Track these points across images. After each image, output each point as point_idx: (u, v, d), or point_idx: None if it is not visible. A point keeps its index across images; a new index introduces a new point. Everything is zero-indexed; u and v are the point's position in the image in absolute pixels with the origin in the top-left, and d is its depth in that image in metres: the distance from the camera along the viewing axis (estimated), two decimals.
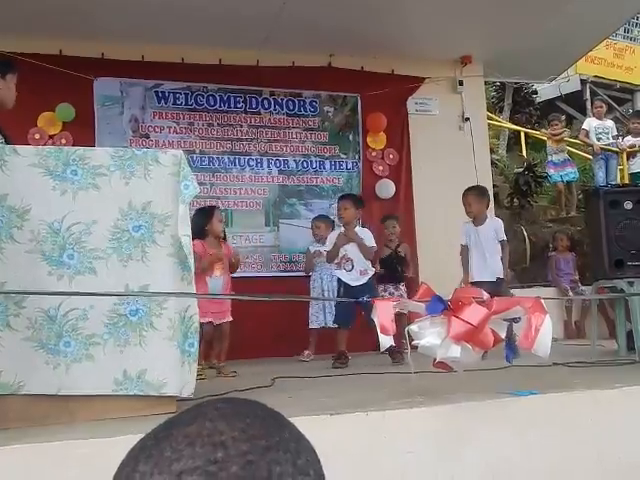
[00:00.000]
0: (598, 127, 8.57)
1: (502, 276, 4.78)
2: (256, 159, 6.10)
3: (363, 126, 6.42)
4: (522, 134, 10.58)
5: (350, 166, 6.38)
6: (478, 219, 4.93)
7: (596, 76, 12.99)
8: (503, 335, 2.73)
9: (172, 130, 5.91)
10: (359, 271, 4.85)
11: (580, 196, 8.56)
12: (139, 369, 2.63)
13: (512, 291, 5.01)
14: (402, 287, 5.56)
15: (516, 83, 11.31)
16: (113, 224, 2.67)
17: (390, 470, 2.41)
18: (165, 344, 2.67)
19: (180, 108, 5.95)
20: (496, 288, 4.35)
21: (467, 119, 6.70)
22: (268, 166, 6.13)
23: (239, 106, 6.11)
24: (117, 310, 2.64)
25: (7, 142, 2.97)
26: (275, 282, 5.70)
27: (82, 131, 5.47)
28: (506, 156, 11.00)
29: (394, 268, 5.53)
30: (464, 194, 4.96)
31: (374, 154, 6.45)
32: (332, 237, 5.07)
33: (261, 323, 5.27)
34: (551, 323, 2.60)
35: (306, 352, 5.26)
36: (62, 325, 2.57)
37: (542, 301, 2.66)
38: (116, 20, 5.25)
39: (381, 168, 6.44)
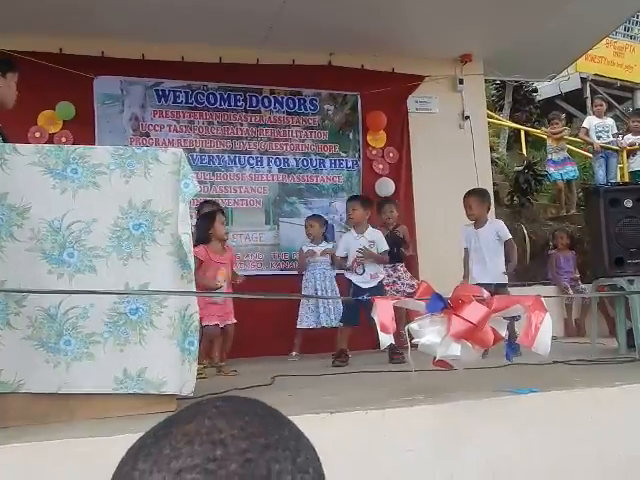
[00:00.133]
0: (598, 125, 8.57)
1: (504, 281, 4.76)
2: (256, 157, 6.10)
3: (363, 124, 6.41)
4: (522, 132, 10.58)
5: (350, 164, 6.38)
6: (479, 222, 4.92)
7: (596, 74, 12.98)
8: (503, 333, 2.73)
9: (172, 128, 5.90)
10: (370, 275, 4.86)
11: (580, 194, 8.56)
12: (139, 367, 2.63)
13: (512, 289, 5.01)
14: (400, 267, 5.54)
15: (516, 81, 11.31)
16: (113, 222, 2.67)
17: (390, 468, 2.41)
18: (165, 342, 2.67)
19: (180, 106, 5.95)
20: (495, 292, 4.35)
21: (467, 117, 6.70)
22: (268, 164, 6.13)
23: (239, 104, 6.11)
24: (117, 309, 2.64)
25: (5, 141, 2.96)
26: (275, 280, 5.69)
27: (82, 129, 5.47)
28: (506, 154, 11.00)
29: (391, 248, 5.50)
30: (465, 196, 4.95)
31: (374, 152, 6.45)
32: (343, 241, 5.06)
33: (261, 321, 5.27)
34: (551, 321, 2.60)
35: (293, 353, 5.27)
36: (62, 324, 2.57)
37: (542, 299, 2.66)
38: (116, 19, 5.25)
39: (381, 166, 6.44)
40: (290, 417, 0.61)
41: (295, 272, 5.79)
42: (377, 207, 5.79)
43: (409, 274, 5.61)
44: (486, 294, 2.74)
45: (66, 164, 2.63)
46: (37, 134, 5.41)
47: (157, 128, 5.86)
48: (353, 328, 4.79)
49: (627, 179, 8.26)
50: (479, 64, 6.84)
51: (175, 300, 2.71)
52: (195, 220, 4.87)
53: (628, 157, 8.45)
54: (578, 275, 6.86)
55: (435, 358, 2.68)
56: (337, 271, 5.48)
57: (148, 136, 5.81)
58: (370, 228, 5.03)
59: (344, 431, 2.41)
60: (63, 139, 5.38)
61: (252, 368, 4.46)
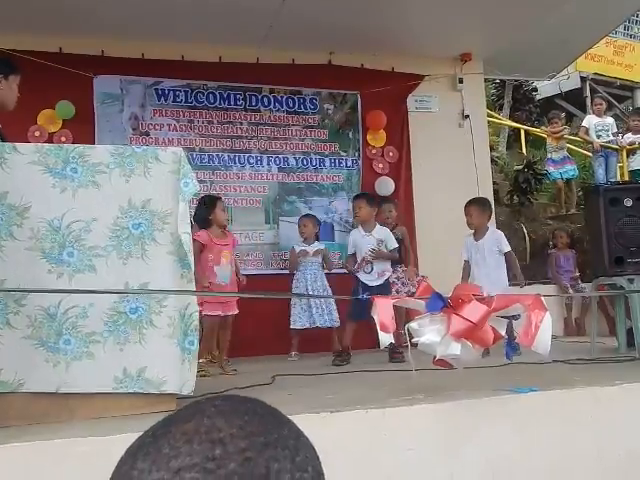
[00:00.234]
0: (598, 124, 8.56)
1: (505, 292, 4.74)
2: (256, 157, 6.10)
3: (363, 124, 6.41)
4: (522, 131, 10.58)
5: (350, 164, 6.38)
6: (479, 232, 4.91)
7: (596, 73, 12.98)
8: (503, 333, 2.73)
9: (172, 128, 5.90)
10: (377, 273, 4.87)
11: (580, 193, 8.56)
12: (139, 367, 2.63)
13: (512, 289, 5.00)
14: (399, 268, 5.52)
15: (516, 80, 11.31)
16: (113, 222, 2.67)
17: (390, 467, 2.41)
18: (165, 342, 2.67)
19: (180, 106, 5.94)
20: None
21: (467, 116, 6.70)
22: (268, 164, 6.12)
23: (239, 104, 6.11)
24: (117, 308, 2.64)
25: (4, 140, 2.96)
26: (275, 280, 5.69)
27: (82, 129, 5.47)
28: (506, 153, 10.99)
29: None
30: (466, 205, 4.95)
31: (374, 152, 6.44)
32: (351, 239, 5.06)
33: (261, 321, 5.27)
34: (551, 320, 2.60)
35: (293, 353, 5.28)
36: (62, 323, 2.57)
37: (542, 298, 2.66)
38: (116, 18, 5.24)
39: (381, 166, 6.44)
40: (290, 416, 0.61)
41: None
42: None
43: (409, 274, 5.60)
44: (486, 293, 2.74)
45: (66, 163, 2.63)
46: (37, 133, 5.41)
47: (157, 127, 5.86)
48: (357, 325, 4.77)
49: (627, 178, 8.26)
50: (479, 63, 6.84)
51: (175, 299, 2.71)
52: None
53: (628, 156, 8.45)
54: (578, 274, 6.86)
55: (435, 357, 2.68)
56: (327, 271, 5.51)
57: (148, 135, 5.81)
58: (378, 226, 5.02)
59: (344, 430, 2.41)
60: (63, 138, 5.38)
61: (252, 367, 4.46)
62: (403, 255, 5.59)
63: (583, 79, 12.88)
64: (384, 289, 4.76)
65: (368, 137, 6.43)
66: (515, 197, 8.96)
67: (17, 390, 2.50)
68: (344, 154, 6.37)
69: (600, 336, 4.67)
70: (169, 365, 2.67)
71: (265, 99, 6.19)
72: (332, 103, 6.40)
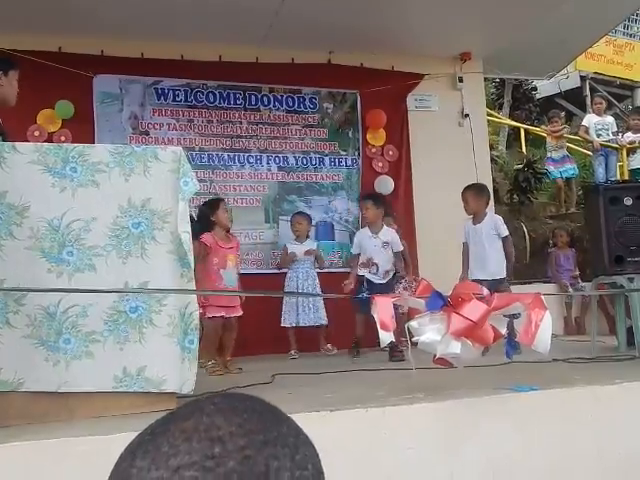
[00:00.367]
0: (598, 123, 8.56)
1: (502, 276, 4.76)
2: (256, 156, 6.10)
3: (363, 123, 6.41)
4: (522, 131, 10.58)
5: (350, 163, 6.37)
6: (477, 217, 4.93)
7: (596, 72, 12.97)
8: (503, 331, 2.73)
9: (172, 127, 5.90)
10: (383, 273, 4.88)
11: (580, 192, 8.56)
12: (139, 366, 2.63)
13: (512, 287, 5.01)
14: (404, 282, 5.53)
15: (516, 80, 11.31)
16: (112, 221, 2.67)
17: (390, 466, 2.41)
18: (165, 341, 2.67)
19: (180, 105, 5.94)
20: (494, 288, 4.36)
21: (467, 115, 6.69)
22: (268, 163, 6.12)
23: (238, 103, 6.11)
24: (117, 307, 2.64)
25: (5, 139, 2.96)
26: (275, 278, 5.68)
27: (81, 128, 5.46)
28: (506, 152, 10.99)
29: None
30: (462, 192, 4.96)
31: (374, 151, 6.44)
32: (357, 239, 5.06)
33: (261, 320, 5.26)
34: (551, 319, 2.60)
35: (292, 351, 5.28)
36: (62, 322, 2.57)
37: (542, 297, 2.66)
38: (115, 17, 5.24)
39: (381, 164, 6.43)
40: (290, 415, 0.60)
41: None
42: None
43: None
44: (486, 292, 2.74)
45: (65, 163, 2.63)
46: (36, 133, 5.40)
47: (156, 127, 5.86)
48: (366, 317, 4.77)
49: (627, 177, 8.26)
50: (479, 62, 6.83)
51: (175, 298, 2.71)
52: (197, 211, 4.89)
53: (628, 155, 8.45)
54: (578, 273, 6.86)
55: (435, 356, 2.68)
56: (319, 270, 5.53)
57: (147, 135, 5.81)
58: (385, 228, 5.03)
59: (344, 429, 2.41)
60: (62, 138, 5.37)
61: (252, 366, 4.46)
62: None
63: (583, 78, 12.88)
64: (388, 288, 4.77)
65: (368, 136, 6.42)
66: (515, 196, 8.96)
67: (17, 389, 2.50)
68: (344, 153, 6.37)
69: (600, 335, 4.67)
70: (169, 364, 2.67)
71: (265, 98, 6.19)
72: (332, 102, 6.40)
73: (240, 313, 4.47)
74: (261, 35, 5.76)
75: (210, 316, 4.29)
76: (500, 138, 11.48)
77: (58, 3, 4.99)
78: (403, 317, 3.74)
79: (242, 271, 5.17)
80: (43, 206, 2.59)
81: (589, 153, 9.22)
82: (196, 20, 5.42)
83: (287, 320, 5.33)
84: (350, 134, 6.42)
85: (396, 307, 2.80)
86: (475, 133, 6.65)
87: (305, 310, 5.29)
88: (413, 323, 2.70)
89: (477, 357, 2.77)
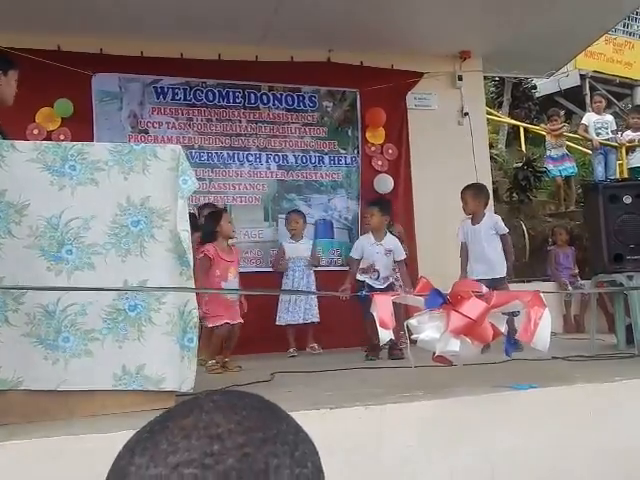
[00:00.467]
0: (597, 122, 8.57)
1: (501, 275, 4.76)
2: (255, 154, 6.09)
3: (362, 121, 6.40)
4: (521, 129, 10.58)
5: (349, 161, 6.37)
6: (475, 217, 4.93)
7: (595, 71, 12.98)
8: (502, 329, 2.73)
9: (171, 126, 5.89)
10: (383, 279, 4.88)
11: (579, 191, 8.56)
12: (138, 364, 2.63)
13: (511, 286, 5.01)
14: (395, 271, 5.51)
15: (515, 78, 11.32)
16: (112, 219, 2.66)
17: (389, 464, 2.41)
18: (164, 339, 2.67)
19: (179, 103, 5.93)
20: (493, 287, 4.36)
21: (466, 114, 6.69)
22: (267, 161, 6.12)
23: (238, 101, 6.10)
24: (116, 305, 2.63)
25: (4, 137, 2.96)
26: (274, 277, 5.68)
27: (81, 127, 5.46)
28: (505, 151, 11.00)
29: None
30: (461, 192, 4.96)
31: (373, 149, 6.44)
32: (359, 245, 5.03)
33: (260, 318, 5.26)
34: (550, 317, 2.60)
35: (292, 349, 5.28)
36: (61, 320, 2.57)
37: (541, 295, 2.66)
38: (115, 15, 5.23)
39: (380, 163, 6.43)
40: (290, 413, 0.60)
41: None
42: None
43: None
44: (485, 289, 2.74)
45: (64, 161, 2.62)
46: (35, 131, 5.39)
47: (156, 125, 5.85)
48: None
49: (626, 175, 8.27)
50: (478, 61, 6.83)
51: (174, 297, 2.71)
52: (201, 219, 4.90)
53: (627, 153, 8.45)
54: (577, 271, 6.87)
55: (434, 354, 2.68)
56: (315, 269, 5.53)
57: (147, 133, 5.80)
58: (389, 235, 4.98)
59: (344, 427, 2.41)
60: (61, 136, 5.36)
61: (251, 365, 4.46)
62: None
63: (582, 77, 12.88)
64: (388, 290, 4.79)
65: (367, 134, 6.42)
66: (514, 194, 8.97)
67: (16, 388, 2.50)
68: (343, 151, 6.37)
69: (599, 333, 4.67)
70: (168, 362, 2.67)
71: (264, 97, 6.18)
72: (331, 101, 6.39)
73: (241, 320, 4.47)
74: (260, 34, 5.76)
75: (216, 324, 4.30)
76: (500, 137, 11.48)
77: (57, 1, 4.99)
78: (402, 315, 3.75)
79: (242, 270, 5.17)
80: (42, 204, 2.59)
81: (588, 151, 9.22)
82: (195, 19, 5.41)
83: (282, 319, 5.33)
84: (349, 132, 6.41)
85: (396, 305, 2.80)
86: (475, 131, 6.65)
87: (296, 308, 5.29)
88: (412, 321, 2.70)
89: (476, 355, 2.77)
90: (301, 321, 5.31)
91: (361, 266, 4.93)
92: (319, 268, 5.66)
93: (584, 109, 11.86)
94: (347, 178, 6.34)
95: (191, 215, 3.27)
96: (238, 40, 5.79)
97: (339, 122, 6.38)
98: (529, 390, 2.73)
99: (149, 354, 2.64)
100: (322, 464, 0.58)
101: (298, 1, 5.25)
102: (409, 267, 5.78)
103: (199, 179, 4.78)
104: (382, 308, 2.63)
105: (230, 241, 4.62)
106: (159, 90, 5.88)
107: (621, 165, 8.59)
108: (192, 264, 2.79)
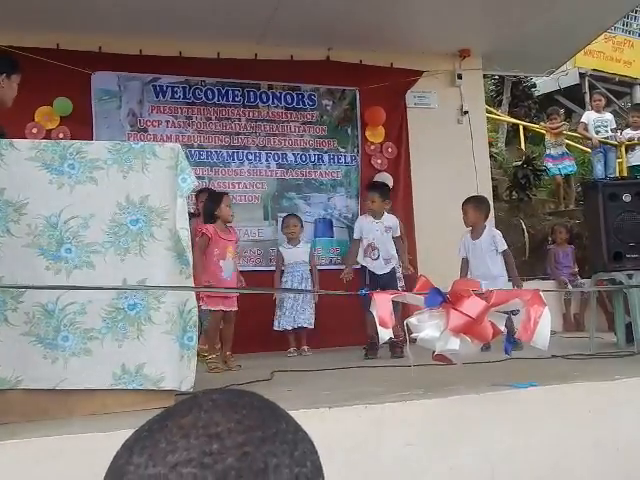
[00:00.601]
0: (597, 120, 8.57)
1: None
2: (254, 153, 6.09)
3: (362, 120, 6.40)
4: (521, 128, 10.57)
5: (349, 160, 6.37)
6: (475, 230, 4.93)
7: (595, 69, 12.97)
8: (502, 328, 2.73)
9: (170, 124, 5.89)
10: (384, 259, 4.89)
11: (579, 189, 8.56)
12: (137, 363, 2.62)
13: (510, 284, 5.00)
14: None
15: (515, 77, 11.31)
16: (111, 218, 2.66)
17: (389, 462, 2.41)
18: (163, 338, 2.66)
19: (178, 102, 5.93)
20: None
21: (466, 112, 6.69)
22: (267, 160, 6.11)
23: (237, 100, 6.09)
24: (115, 304, 2.63)
25: (3, 136, 2.96)
26: (274, 275, 5.68)
27: (80, 125, 5.45)
28: (505, 149, 10.99)
29: None
30: (462, 204, 4.97)
31: (373, 148, 6.43)
32: (358, 225, 5.08)
33: (260, 317, 5.27)
34: (550, 315, 2.60)
35: (292, 349, 5.28)
36: (60, 319, 2.56)
37: (541, 294, 2.66)
38: (113, 14, 5.23)
39: (380, 161, 6.43)
40: (289, 412, 0.60)
41: None
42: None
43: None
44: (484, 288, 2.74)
45: (63, 159, 2.62)
46: (34, 130, 5.39)
47: (155, 124, 5.84)
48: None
49: (626, 174, 8.27)
50: (478, 59, 6.82)
51: (173, 295, 2.70)
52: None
53: (627, 152, 8.45)
54: (577, 270, 6.87)
55: (434, 352, 2.67)
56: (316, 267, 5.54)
57: (146, 132, 5.80)
58: (386, 214, 5.05)
59: (343, 425, 2.41)
60: (60, 135, 5.35)
61: (251, 363, 4.46)
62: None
63: (582, 75, 12.87)
64: (391, 277, 4.83)
65: (367, 133, 6.41)
66: (514, 193, 8.96)
67: (15, 387, 2.49)
68: (343, 150, 6.36)
69: (599, 331, 4.67)
70: (168, 361, 2.67)
71: (263, 95, 6.18)
72: (331, 99, 6.39)
73: (236, 308, 4.48)
74: (260, 32, 5.75)
75: (211, 309, 4.31)
76: (499, 135, 11.48)
77: (56, 0, 4.97)
78: (402, 313, 3.75)
79: (242, 268, 5.17)
80: (41, 203, 2.58)
81: (588, 150, 9.22)
82: (194, 17, 5.40)
83: (280, 325, 5.31)
84: (349, 131, 6.41)
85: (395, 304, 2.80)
86: (474, 130, 6.64)
87: (293, 313, 5.26)
88: (412, 320, 2.70)
89: (476, 353, 2.77)
90: (293, 326, 5.27)
91: (362, 247, 4.96)
92: (318, 267, 5.64)
93: (583, 107, 11.85)
94: (347, 177, 6.34)
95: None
96: (237, 38, 5.78)
97: (338, 121, 6.38)
98: (529, 388, 2.72)
99: (149, 353, 2.63)
100: (321, 463, 0.58)
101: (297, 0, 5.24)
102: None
103: (198, 178, 4.76)
104: (382, 307, 2.62)
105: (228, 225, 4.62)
106: (158, 88, 5.88)
107: (620, 163, 8.60)
108: (191, 262, 2.78)
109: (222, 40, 5.80)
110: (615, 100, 13.05)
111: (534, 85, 12.86)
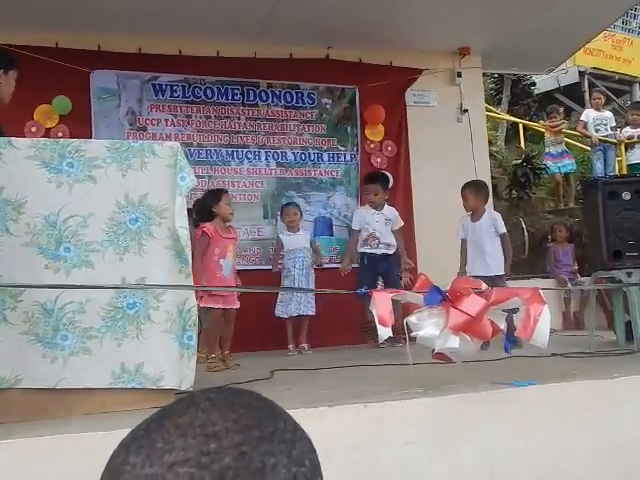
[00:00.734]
0: (596, 118, 8.57)
1: (501, 272, 4.77)
2: (254, 152, 6.08)
3: (361, 118, 6.39)
4: (520, 126, 10.57)
5: (348, 158, 6.36)
6: (475, 214, 4.95)
7: (594, 68, 12.98)
8: (502, 326, 2.73)
9: (169, 123, 5.88)
10: (385, 245, 4.91)
11: (578, 187, 8.56)
12: (137, 362, 2.62)
13: (511, 283, 5.02)
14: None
15: (514, 75, 11.30)
16: (110, 217, 2.65)
17: (388, 461, 2.41)
18: (163, 337, 2.66)
19: (177, 101, 5.92)
20: (492, 284, 4.37)
21: (465, 111, 6.68)
22: (266, 159, 6.11)
23: (237, 98, 6.09)
24: (114, 303, 2.63)
25: (2, 135, 2.95)
26: (274, 274, 5.67)
27: (79, 124, 5.45)
28: (504, 148, 10.99)
29: None
30: (462, 189, 4.99)
31: (372, 146, 6.43)
32: (358, 216, 5.12)
33: (259, 316, 5.26)
34: (549, 314, 2.60)
35: (290, 347, 5.27)
36: (59, 318, 2.56)
37: (541, 292, 2.65)
38: (113, 12, 5.21)
39: (379, 160, 6.42)
40: (289, 411, 0.60)
41: None
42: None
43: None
44: (484, 286, 2.73)
45: (62, 158, 2.61)
46: (33, 129, 5.38)
47: (154, 122, 5.84)
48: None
49: (625, 172, 8.27)
50: (477, 57, 6.82)
51: (173, 294, 2.70)
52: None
53: (626, 150, 8.45)
54: (577, 268, 6.87)
55: (434, 351, 2.67)
56: (316, 266, 5.55)
57: (145, 130, 5.79)
58: (386, 206, 5.07)
59: (343, 424, 2.41)
60: (60, 134, 5.34)
61: (250, 362, 4.46)
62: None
63: (581, 73, 12.88)
64: (393, 259, 4.82)
65: (366, 132, 6.41)
66: (514, 191, 8.96)
67: (14, 386, 2.49)
68: (342, 149, 6.36)
69: (598, 330, 4.67)
70: (167, 360, 2.67)
71: (263, 94, 6.17)
72: (330, 98, 6.38)
73: (237, 305, 4.46)
74: (259, 30, 5.74)
75: (210, 306, 4.29)
76: (499, 133, 11.48)
77: None
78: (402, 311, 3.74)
79: (241, 267, 5.16)
80: (40, 202, 2.57)
81: (587, 148, 9.22)
82: (194, 15, 5.39)
83: (280, 311, 5.31)
84: (349, 130, 6.40)
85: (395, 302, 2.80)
86: (474, 128, 6.64)
87: (297, 299, 5.28)
88: (412, 318, 2.70)
89: (476, 352, 2.77)
90: (295, 313, 5.27)
91: (362, 237, 4.97)
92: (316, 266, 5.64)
93: (583, 106, 11.86)
94: (346, 175, 6.33)
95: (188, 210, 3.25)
96: (237, 37, 5.77)
97: (338, 119, 6.37)
98: (528, 387, 2.72)
99: (148, 352, 2.63)
100: (320, 462, 0.57)
101: None
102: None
103: (198, 177, 4.75)
104: (381, 305, 2.62)
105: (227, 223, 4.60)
106: (157, 87, 5.87)
107: (620, 162, 8.60)
108: (191, 261, 2.78)
109: (221, 39, 5.79)
110: (614, 98, 13.05)
111: (534, 83, 12.86)
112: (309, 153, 6.25)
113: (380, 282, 5.17)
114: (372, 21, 5.69)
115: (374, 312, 2.64)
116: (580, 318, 6.58)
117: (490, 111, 9.70)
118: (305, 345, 5.32)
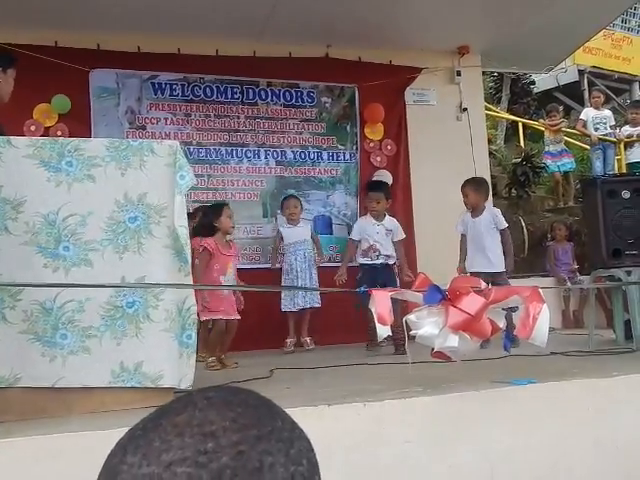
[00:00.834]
0: (596, 117, 8.57)
1: (501, 269, 4.77)
2: (253, 150, 6.08)
3: (361, 117, 6.39)
4: (520, 125, 10.57)
5: (348, 157, 6.36)
6: (475, 210, 4.95)
7: (594, 66, 12.98)
8: (501, 324, 2.73)
9: (169, 121, 5.88)
10: (384, 256, 4.92)
11: (578, 186, 8.56)
12: (136, 361, 2.62)
13: (510, 281, 5.01)
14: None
15: (514, 74, 11.30)
16: (109, 215, 2.65)
17: (388, 460, 2.41)
18: (162, 336, 2.66)
19: (177, 99, 5.92)
20: (493, 280, 4.38)
21: (465, 110, 6.68)
22: (265, 157, 6.10)
23: (236, 97, 6.08)
24: (113, 302, 2.62)
25: (2, 134, 2.95)
26: (273, 273, 5.67)
27: (78, 123, 5.44)
28: (504, 147, 10.99)
29: None
30: (462, 186, 4.99)
31: (372, 145, 6.43)
32: (358, 226, 5.10)
33: (259, 315, 5.26)
34: (549, 312, 2.60)
35: (288, 341, 5.26)
36: (58, 317, 2.56)
37: (540, 290, 2.65)
38: (112, 11, 5.21)
39: (379, 159, 6.42)
40: (288, 409, 0.60)
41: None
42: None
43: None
44: (484, 285, 2.74)
45: (61, 157, 2.61)
46: (32, 127, 5.38)
47: (153, 121, 5.83)
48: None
49: (624, 170, 8.26)
50: (477, 56, 6.81)
51: (172, 293, 2.70)
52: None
53: (625, 149, 8.45)
54: (576, 266, 6.87)
55: (433, 350, 2.67)
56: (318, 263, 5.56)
57: (144, 129, 5.78)
58: (387, 217, 5.06)
59: (342, 423, 2.41)
60: (59, 133, 5.34)
61: (250, 361, 4.46)
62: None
63: (581, 72, 12.88)
64: (388, 268, 4.84)
65: (366, 130, 6.41)
66: (513, 190, 8.96)
67: (13, 385, 2.49)
68: (342, 147, 6.35)
69: (598, 328, 4.67)
70: (166, 359, 2.66)
71: (262, 92, 6.16)
72: (329, 96, 6.38)
73: (238, 317, 4.45)
74: (258, 29, 5.74)
75: (215, 318, 4.28)
76: (498, 132, 11.48)
77: None
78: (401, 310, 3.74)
79: (241, 266, 5.16)
80: (39, 201, 2.57)
81: (587, 147, 9.22)
82: (193, 14, 5.39)
83: (285, 306, 5.30)
84: (348, 128, 6.40)
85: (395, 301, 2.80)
86: (473, 127, 6.63)
87: (303, 292, 5.28)
88: (411, 317, 2.70)
89: (475, 350, 2.77)
90: (303, 305, 5.26)
91: (361, 248, 4.96)
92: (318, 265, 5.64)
93: (582, 104, 11.86)
94: (346, 174, 6.33)
95: (189, 214, 3.25)
96: (236, 36, 5.77)
97: (337, 118, 6.37)
98: (528, 385, 2.72)
99: (147, 351, 2.63)
100: (318, 461, 0.57)
101: None
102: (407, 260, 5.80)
103: (197, 175, 4.75)
104: (380, 304, 2.62)
105: (227, 237, 4.60)
106: (157, 86, 5.86)
107: (619, 160, 8.60)
108: (190, 260, 2.78)
109: (221, 37, 5.79)
110: (614, 97, 13.05)
111: (533, 82, 12.86)
112: (308, 152, 6.24)
113: None
114: (372, 20, 5.69)
115: (373, 311, 2.63)
116: (579, 317, 6.58)
117: (490, 110, 9.69)
118: (308, 339, 5.31)
